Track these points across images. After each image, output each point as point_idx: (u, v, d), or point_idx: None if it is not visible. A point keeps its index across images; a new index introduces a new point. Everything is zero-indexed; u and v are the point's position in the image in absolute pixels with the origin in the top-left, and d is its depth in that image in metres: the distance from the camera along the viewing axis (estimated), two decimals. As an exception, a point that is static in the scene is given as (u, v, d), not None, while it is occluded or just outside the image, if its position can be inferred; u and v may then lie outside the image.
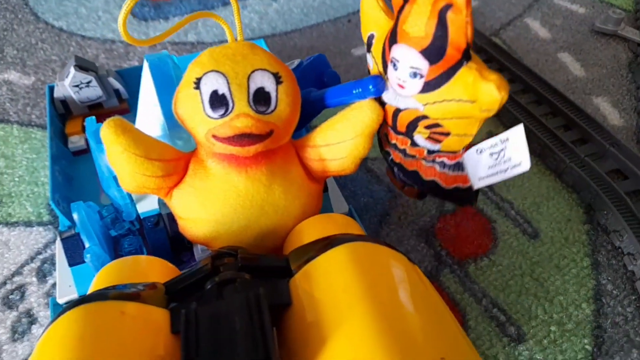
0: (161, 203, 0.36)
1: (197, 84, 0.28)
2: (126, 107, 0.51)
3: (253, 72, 0.29)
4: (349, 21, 0.70)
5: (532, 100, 0.54)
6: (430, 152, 0.33)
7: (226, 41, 0.31)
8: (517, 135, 0.29)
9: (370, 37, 0.33)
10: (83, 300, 0.24)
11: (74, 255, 0.37)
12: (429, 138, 0.32)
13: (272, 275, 0.26)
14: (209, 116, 0.28)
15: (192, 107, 0.29)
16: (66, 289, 0.37)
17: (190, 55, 0.44)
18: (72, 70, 0.46)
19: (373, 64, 0.33)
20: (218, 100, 0.28)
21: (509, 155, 0.30)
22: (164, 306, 0.25)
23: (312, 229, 0.31)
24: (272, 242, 0.32)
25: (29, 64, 0.63)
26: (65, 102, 0.49)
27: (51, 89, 0.49)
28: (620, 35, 0.65)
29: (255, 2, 0.73)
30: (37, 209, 0.46)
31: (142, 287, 0.26)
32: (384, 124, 0.35)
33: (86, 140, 0.48)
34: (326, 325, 0.22)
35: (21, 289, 0.40)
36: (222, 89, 0.28)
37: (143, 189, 0.30)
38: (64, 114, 0.50)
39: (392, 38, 0.30)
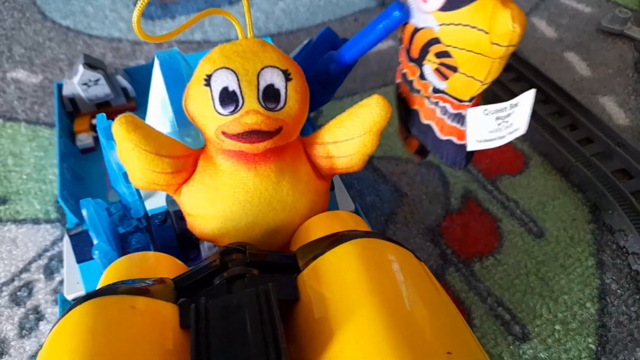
0: (169, 201, 0.36)
1: (208, 80, 0.29)
2: (134, 105, 0.52)
3: (263, 69, 0.29)
4: (356, 20, 0.70)
5: (538, 100, 0.54)
6: (435, 90, 0.32)
7: (232, 40, 0.31)
8: (527, 100, 0.28)
9: None
10: (93, 294, 0.24)
11: (82, 251, 0.38)
12: (437, 71, 0.31)
13: (279, 272, 0.27)
14: (219, 113, 0.29)
15: (202, 103, 0.29)
16: (74, 286, 0.37)
17: (200, 53, 0.45)
18: (81, 68, 0.47)
19: None
20: (228, 97, 0.28)
21: (512, 120, 0.29)
22: (172, 301, 0.25)
23: (319, 226, 0.31)
24: (279, 239, 0.32)
25: (37, 62, 0.63)
26: (73, 100, 0.49)
27: (60, 87, 0.49)
28: (627, 35, 0.65)
29: (261, 1, 0.74)
30: (44, 207, 0.46)
31: (151, 282, 0.26)
32: (400, 50, 0.34)
33: (94, 138, 0.49)
34: (334, 321, 0.22)
35: (29, 286, 0.41)
36: (232, 86, 0.28)
37: (153, 185, 0.31)
38: (72, 112, 0.50)
39: None
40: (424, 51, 0.31)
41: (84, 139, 0.48)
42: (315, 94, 0.33)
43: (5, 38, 0.67)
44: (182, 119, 0.36)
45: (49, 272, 0.42)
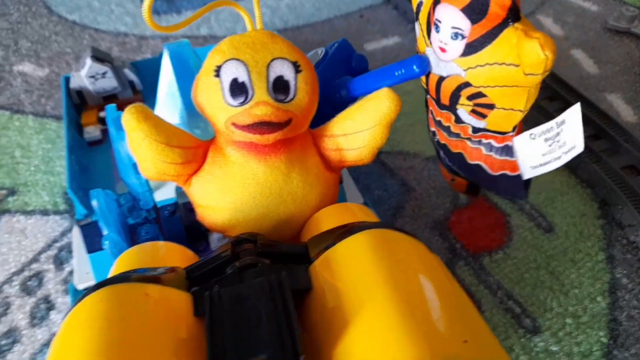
0: (179, 192, 0.36)
1: (218, 71, 0.28)
2: (140, 98, 0.52)
3: (273, 60, 0.29)
4: (361, 16, 0.70)
5: (545, 97, 0.54)
6: (475, 130, 0.32)
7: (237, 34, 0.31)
8: (574, 116, 0.28)
9: (420, 4, 0.32)
10: (107, 282, 0.24)
11: (93, 242, 0.38)
12: (473, 112, 0.30)
13: (291, 262, 0.27)
14: (228, 104, 0.29)
15: (212, 94, 0.29)
16: (84, 276, 0.37)
17: (208, 47, 0.45)
18: (89, 61, 0.47)
19: (419, 31, 0.32)
20: (238, 88, 0.28)
21: (564, 139, 0.28)
22: (185, 290, 0.25)
23: (329, 218, 0.31)
24: (289, 230, 0.32)
25: (43, 56, 0.64)
26: (81, 93, 0.49)
27: (67, 79, 0.49)
28: (634, 33, 0.65)
29: (267, -4, 0.74)
30: (53, 198, 0.46)
31: (163, 271, 0.26)
32: (427, 100, 0.33)
33: (101, 130, 0.49)
34: (348, 310, 0.22)
35: (39, 276, 0.41)
36: (242, 77, 0.28)
37: (163, 176, 0.31)
38: (79, 104, 0.50)
39: None
40: (455, 97, 0.30)
41: (92, 132, 0.48)
42: (322, 115, 0.33)
43: (11, 32, 0.67)
44: (191, 110, 0.36)
45: (59, 262, 0.42)
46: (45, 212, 0.45)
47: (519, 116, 0.30)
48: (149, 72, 0.52)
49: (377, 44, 0.65)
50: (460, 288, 0.24)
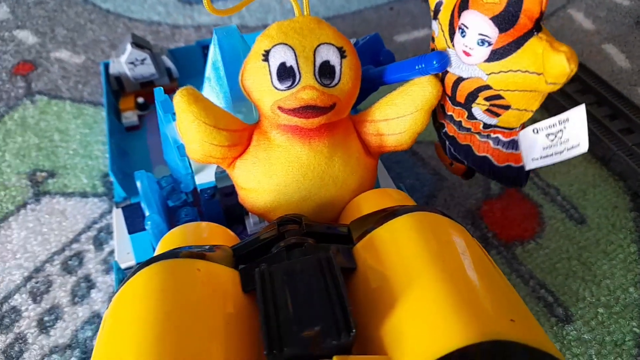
0: (218, 177, 0.37)
1: (266, 56, 0.29)
2: (176, 85, 0.53)
3: (319, 45, 0.29)
4: (391, 9, 0.70)
5: (577, 90, 0.54)
6: (486, 126, 0.33)
7: (269, 25, 0.32)
8: (578, 116, 0.29)
9: (439, 4, 0.33)
10: (157, 258, 0.25)
11: (134, 223, 0.39)
12: (488, 111, 0.32)
13: (334, 243, 0.27)
14: (276, 88, 0.29)
15: (259, 78, 0.30)
16: (125, 256, 0.38)
17: (256, 32, 0.45)
18: (129, 47, 0.48)
19: (439, 31, 0.33)
20: (286, 72, 0.29)
21: (566, 136, 0.30)
22: (232, 267, 0.26)
23: (369, 202, 0.32)
24: (329, 213, 0.33)
25: (79, 43, 0.65)
26: (119, 79, 0.51)
27: (106, 65, 0.51)
28: (667, 28, 0.64)
29: (297, -12, 0.74)
30: (91, 181, 0.48)
31: (209, 248, 0.27)
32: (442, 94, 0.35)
33: (139, 116, 0.50)
34: (394, 290, 0.22)
35: (79, 256, 0.42)
36: (290, 62, 0.29)
37: (209, 158, 0.31)
38: (117, 90, 0.52)
39: (463, 4, 0.30)
40: (472, 96, 0.31)
41: (130, 117, 0.49)
42: None
43: (48, 20, 0.69)
44: (235, 94, 0.36)
45: (98, 243, 0.43)
46: (84, 195, 0.47)
47: (529, 115, 0.31)
48: (185, 60, 0.53)
49: (407, 35, 0.65)
50: (501, 271, 0.25)
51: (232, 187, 0.35)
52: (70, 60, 0.62)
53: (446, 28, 0.32)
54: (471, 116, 0.33)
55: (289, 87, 0.29)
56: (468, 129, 0.34)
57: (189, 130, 0.30)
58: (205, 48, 0.54)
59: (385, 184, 0.42)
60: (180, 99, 0.30)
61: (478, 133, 0.34)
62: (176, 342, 0.20)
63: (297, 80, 0.29)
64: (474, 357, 0.18)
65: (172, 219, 0.39)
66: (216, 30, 0.36)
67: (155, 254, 0.30)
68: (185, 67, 0.52)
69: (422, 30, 0.66)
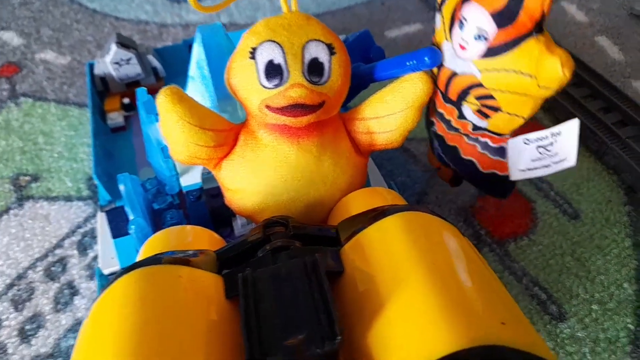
0: (204, 178, 0.36)
1: (253, 53, 0.28)
2: (163, 85, 0.51)
3: (308, 42, 0.29)
4: (382, 4, 0.69)
5: (570, 83, 0.53)
6: (475, 128, 0.32)
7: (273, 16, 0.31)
8: (570, 130, 0.28)
9: None
10: (138, 264, 0.24)
11: (118, 227, 0.38)
12: (478, 111, 0.31)
13: (322, 245, 0.27)
14: (263, 86, 0.28)
15: (246, 76, 0.29)
16: (109, 261, 0.37)
17: (240, 31, 0.45)
18: (114, 46, 0.47)
19: (440, 23, 0.32)
20: (273, 70, 0.28)
21: (556, 149, 0.29)
22: (216, 272, 0.25)
23: (358, 201, 0.31)
24: (319, 213, 0.32)
25: (65, 44, 0.64)
26: (104, 80, 0.50)
27: (91, 66, 0.50)
28: (659, 19, 0.64)
29: (286, -16, 0.73)
30: (76, 184, 0.47)
31: (193, 254, 0.26)
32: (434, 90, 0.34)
33: (124, 117, 0.49)
34: (381, 293, 0.22)
35: (63, 261, 0.41)
36: (278, 59, 0.28)
37: (194, 159, 0.31)
38: (102, 91, 0.51)
39: None
40: (464, 94, 0.31)
41: (115, 118, 0.48)
42: None
43: (33, 20, 0.68)
44: (220, 93, 0.36)
45: (82, 248, 0.42)
46: (68, 198, 0.46)
47: (520, 122, 0.30)
48: (172, 59, 0.52)
49: (398, 31, 0.64)
50: (492, 271, 0.24)
51: (219, 188, 0.34)
52: (55, 61, 0.61)
53: (447, 20, 0.31)
54: (461, 115, 0.32)
55: (277, 85, 0.28)
56: (457, 129, 0.33)
57: (173, 131, 0.29)
58: (192, 47, 0.53)
59: (376, 181, 0.41)
60: (164, 99, 0.29)
61: (467, 135, 0.33)
62: (155, 351, 0.19)
63: (285, 78, 0.28)
64: (464, 363, 0.18)
65: (157, 222, 0.38)
66: (200, 28, 0.35)
67: (138, 259, 0.29)
68: (172, 66, 0.52)
69: (414, 25, 0.65)
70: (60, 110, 0.54)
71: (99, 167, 0.42)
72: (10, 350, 0.36)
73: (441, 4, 0.32)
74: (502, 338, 0.19)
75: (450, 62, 0.31)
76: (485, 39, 0.28)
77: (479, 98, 0.30)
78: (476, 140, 0.33)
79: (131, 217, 0.35)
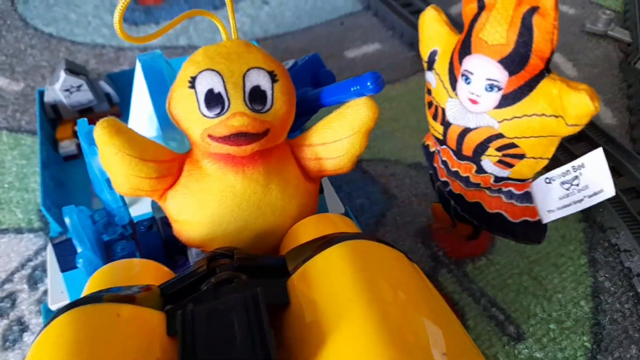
0: (155, 207, 0.35)
1: (192, 82, 0.28)
2: (117, 111, 0.51)
3: (248, 70, 0.28)
4: (342, 24, 0.70)
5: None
6: (497, 179, 0.31)
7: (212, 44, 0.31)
8: (595, 160, 0.27)
9: (433, 54, 0.31)
10: (76, 303, 0.23)
11: (66, 260, 0.37)
12: (500, 162, 0.29)
13: (269, 276, 0.26)
14: (204, 115, 0.28)
15: (187, 106, 0.28)
16: (58, 295, 0.36)
17: (183, 57, 0.44)
18: (63, 74, 0.46)
19: (436, 81, 0.31)
20: (214, 99, 0.28)
21: (585, 182, 0.28)
22: (159, 308, 0.24)
23: (308, 229, 0.31)
24: (269, 242, 0.32)
25: (18, 70, 0.62)
26: (55, 107, 0.48)
27: (41, 93, 0.48)
28: (610, 36, 0.65)
29: (247, 5, 0.73)
30: (27, 216, 0.45)
31: (137, 290, 0.26)
32: (440, 150, 0.33)
33: (77, 145, 0.48)
34: (325, 325, 0.21)
35: (12, 297, 0.40)
36: (218, 88, 0.28)
37: (137, 191, 0.30)
38: (54, 118, 0.49)
39: (464, 49, 0.28)
40: (482, 148, 0.29)
41: (67, 146, 0.47)
42: None
43: (-15, 46, 0.66)
44: (165, 122, 0.35)
45: (33, 282, 0.40)
46: (19, 230, 0.44)
47: (544, 164, 0.29)
48: (126, 84, 0.51)
49: (357, 50, 0.65)
50: (442, 298, 0.24)
51: (170, 217, 0.33)
52: (8, 87, 0.60)
53: (446, 77, 0.30)
54: (480, 170, 0.31)
55: (218, 115, 0.28)
56: (477, 185, 0.32)
57: (112, 164, 0.29)
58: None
59: (333, 205, 0.40)
60: (100, 132, 0.28)
61: (488, 188, 0.32)
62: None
63: (226, 106, 0.28)
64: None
65: (108, 254, 0.37)
66: (139, 56, 0.34)
67: (82, 294, 0.28)
68: (126, 91, 0.50)
69: (372, 45, 0.66)
70: (12, 138, 0.53)
71: (48, 198, 0.41)
72: (-49, 395, 0.34)
73: (431, 63, 0.31)
74: (443, 370, 0.19)
75: (460, 118, 0.30)
76: (498, 88, 0.27)
77: (499, 149, 0.29)
78: (499, 191, 0.32)
79: (79, 250, 0.34)
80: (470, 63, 0.28)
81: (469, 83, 0.28)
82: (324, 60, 0.39)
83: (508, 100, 0.27)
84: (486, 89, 0.27)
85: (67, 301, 0.35)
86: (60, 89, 0.46)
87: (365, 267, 0.24)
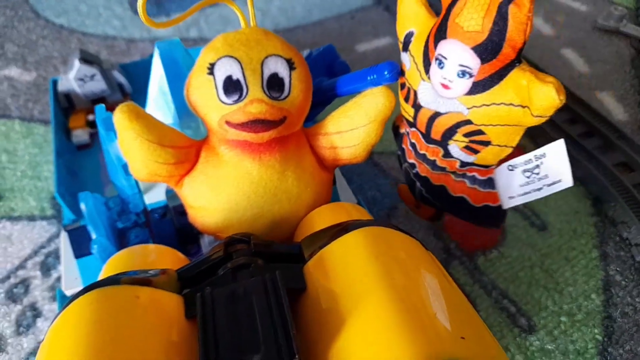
0: (169, 195, 0.36)
1: (211, 69, 0.28)
2: (129, 101, 0.51)
3: (267, 57, 0.28)
4: (352, 18, 0.70)
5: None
6: (462, 164, 0.31)
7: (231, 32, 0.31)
8: (556, 151, 0.27)
9: (409, 35, 0.31)
10: (96, 285, 0.24)
11: (81, 247, 0.37)
12: (466, 148, 0.30)
13: (285, 262, 0.26)
14: (222, 102, 0.28)
15: (205, 93, 0.28)
16: (72, 282, 0.36)
17: (200, 47, 0.44)
18: (77, 63, 0.46)
19: (411, 63, 0.31)
20: (232, 86, 0.28)
21: (545, 172, 0.28)
22: (176, 292, 0.25)
23: (323, 217, 0.31)
24: (283, 230, 0.32)
25: (30, 60, 0.63)
26: (69, 96, 0.49)
27: (55, 82, 0.49)
28: (622, 32, 0.65)
29: (257, -1, 0.73)
30: (40, 203, 0.46)
31: (154, 273, 0.26)
32: (409, 132, 0.33)
33: (90, 134, 0.48)
34: (342, 311, 0.21)
35: (25, 283, 0.40)
36: (236, 75, 0.28)
37: (154, 177, 0.30)
38: (67, 108, 0.50)
39: (440, 33, 0.28)
40: (450, 133, 0.30)
41: (80, 135, 0.48)
42: None
43: (-3, 36, 0.67)
44: (182, 110, 0.35)
45: (46, 268, 0.41)
46: (32, 218, 0.45)
47: (508, 152, 0.30)
48: (138, 74, 0.52)
49: (368, 44, 0.65)
50: (456, 286, 0.24)
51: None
52: (20, 77, 0.60)
53: (420, 60, 0.30)
54: (447, 154, 0.31)
55: (236, 101, 0.28)
56: (443, 169, 0.32)
57: (131, 149, 0.29)
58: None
59: (346, 196, 0.41)
60: (120, 116, 0.28)
61: (453, 172, 0.32)
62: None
63: (244, 93, 0.28)
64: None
65: (122, 241, 0.37)
66: (158, 44, 0.34)
67: (99, 279, 0.28)
68: (139, 82, 0.51)
69: (384, 38, 0.66)
70: (25, 127, 0.53)
71: (62, 185, 0.41)
72: (-34, 378, 0.35)
73: (406, 45, 0.31)
74: (462, 353, 0.19)
75: (431, 102, 0.30)
76: (470, 75, 0.27)
77: (467, 135, 0.29)
78: (463, 176, 0.32)
79: (94, 236, 0.34)
80: (444, 48, 0.28)
81: (442, 68, 0.28)
82: (335, 53, 0.40)
83: (479, 87, 0.27)
84: (458, 75, 0.27)
85: (80, 287, 0.36)
86: (74, 78, 0.47)
87: (382, 253, 0.24)
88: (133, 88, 0.51)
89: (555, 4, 0.71)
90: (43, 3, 0.73)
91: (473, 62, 0.27)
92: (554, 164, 0.28)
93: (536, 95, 0.26)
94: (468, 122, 0.29)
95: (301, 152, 0.32)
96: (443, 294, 0.22)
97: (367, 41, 0.65)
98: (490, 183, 0.31)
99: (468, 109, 0.28)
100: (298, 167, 0.31)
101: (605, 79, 0.58)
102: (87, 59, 0.47)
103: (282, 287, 0.22)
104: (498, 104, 0.27)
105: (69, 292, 0.35)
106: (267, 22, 0.69)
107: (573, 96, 0.53)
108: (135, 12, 0.71)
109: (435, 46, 0.28)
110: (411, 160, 0.34)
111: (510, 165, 0.29)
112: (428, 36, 0.29)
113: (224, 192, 0.30)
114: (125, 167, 0.33)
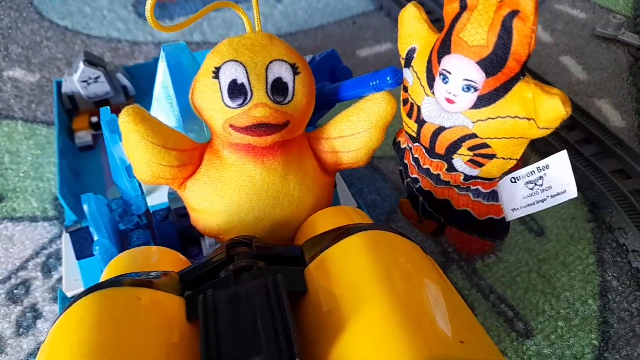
0: (171, 197, 0.36)
1: (216, 73, 0.28)
2: (133, 103, 0.51)
3: (271, 62, 0.29)
4: (354, 23, 0.70)
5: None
6: (466, 177, 0.31)
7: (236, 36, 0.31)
8: (559, 162, 0.28)
9: (411, 51, 0.31)
10: (98, 286, 0.24)
11: (82, 248, 0.37)
12: (470, 161, 0.30)
13: (286, 265, 0.26)
14: (227, 105, 0.28)
15: (210, 96, 0.29)
16: (73, 283, 0.36)
17: (205, 50, 0.45)
18: (82, 65, 0.46)
19: (413, 79, 0.31)
20: (237, 90, 0.28)
21: (548, 183, 0.28)
22: (178, 294, 0.25)
23: (324, 220, 0.31)
24: (285, 233, 0.32)
25: (34, 61, 0.63)
26: (72, 98, 0.49)
27: (59, 84, 0.49)
28: (621, 40, 0.65)
29: (260, 3, 0.73)
30: (42, 204, 0.46)
31: (156, 275, 0.26)
32: (412, 147, 0.33)
33: (93, 136, 0.48)
34: (343, 313, 0.22)
35: (26, 284, 0.40)
36: (241, 79, 0.28)
37: (158, 179, 0.30)
38: (70, 109, 0.50)
39: (444, 49, 0.28)
40: (455, 146, 0.30)
41: (83, 137, 0.48)
42: None
43: (2, 37, 0.67)
44: (186, 113, 0.35)
45: (47, 269, 0.41)
46: (33, 219, 0.45)
47: (513, 164, 0.30)
48: (142, 77, 0.52)
49: (369, 50, 0.65)
50: (455, 290, 0.24)
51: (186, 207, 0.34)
52: (24, 79, 0.60)
53: (423, 75, 0.30)
54: (451, 168, 0.31)
55: (241, 105, 0.28)
56: (446, 182, 0.32)
57: (135, 151, 0.29)
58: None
59: (346, 200, 0.41)
60: (125, 119, 0.29)
61: (457, 186, 0.32)
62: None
63: (248, 97, 0.28)
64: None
65: (124, 243, 0.37)
66: (164, 47, 0.35)
67: (101, 280, 0.28)
68: (143, 85, 0.51)
69: (385, 44, 0.66)
70: (28, 128, 0.54)
71: (65, 186, 0.41)
72: (-33, 377, 0.35)
73: (409, 61, 0.32)
74: (461, 357, 0.19)
75: (435, 117, 0.30)
76: (475, 89, 0.27)
77: (472, 149, 0.30)
78: (467, 189, 0.32)
79: (96, 237, 0.34)
80: (449, 63, 0.28)
81: (446, 82, 0.28)
82: (336, 58, 0.40)
83: (483, 101, 0.27)
84: (463, 89, 0.28)
85: (81, 288, 0.36)
86: (79, 79, 0.47)
87: (382, 257, 0.24)
88: (137, 90, 0.51)
89: (554, 12, 0.72)
90: (47, 5, 0.73)
91: (478, 76, 0.27)
92: (558, 175, 0.28)
93: (542, 108, 0.26)
94: (473, 135, 0.29)
95: (303, 156, 0.32)
96: (443, 298, 0.23)
97: (368, 46, 0.66)
98: (493, 196, 0.32)
99: (473, 122, 0.28)
100: (300, 171, 0.31)
101: (603, 86, 0.59)
102: (92, 61, 0.47)
103: (283, 289, 0.22)
104: (503, 117, 0.27)
105: (70, 294, 0.36)
106: (270, 26, 0.69)
107: (571, 102, 0.53)
108: (139, 15, 0.71)
109: (439, 61, 0.29)
110: (414, 175, 0.35)
111: (513, 178, 0.30)
112: (431, 52, 0.30)
113: (226, 194, 0.31)
114: (128, 169, 0.33)
